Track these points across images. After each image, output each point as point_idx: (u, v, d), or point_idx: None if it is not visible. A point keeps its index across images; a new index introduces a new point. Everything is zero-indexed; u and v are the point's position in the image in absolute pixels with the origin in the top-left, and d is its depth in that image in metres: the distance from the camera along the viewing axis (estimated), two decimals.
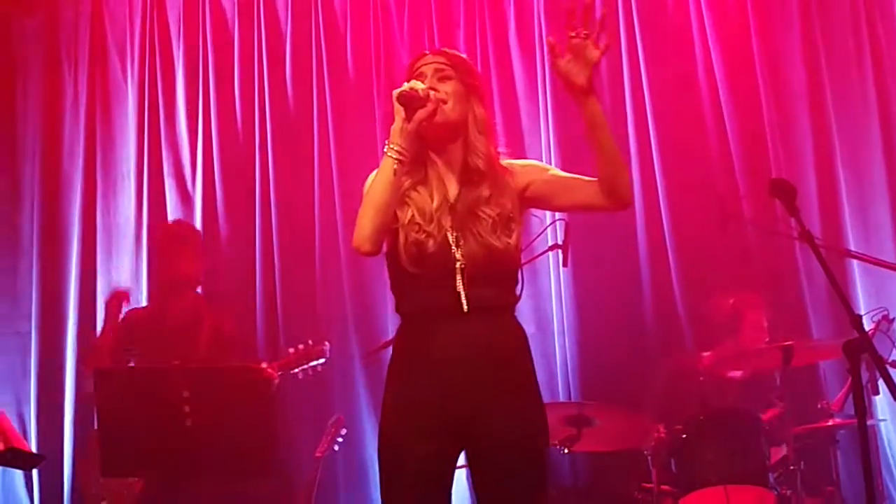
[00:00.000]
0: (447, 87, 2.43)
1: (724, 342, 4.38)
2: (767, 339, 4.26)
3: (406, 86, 2.38)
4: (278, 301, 4.92)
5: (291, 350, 3.90)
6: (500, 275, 2.43)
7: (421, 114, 2.35)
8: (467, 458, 2.44)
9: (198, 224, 5.01)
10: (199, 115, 5.13)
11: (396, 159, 2.34)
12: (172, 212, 5.08)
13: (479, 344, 2.37)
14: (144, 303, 4.91)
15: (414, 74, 2.48)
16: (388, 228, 2.37)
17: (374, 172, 2.47)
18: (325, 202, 5.00)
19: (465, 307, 2.35)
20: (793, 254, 4.57)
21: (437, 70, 2.46)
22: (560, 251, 4.15)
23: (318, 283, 4.93)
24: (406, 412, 2.39)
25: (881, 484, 4.19)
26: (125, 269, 5.06)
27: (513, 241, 2.43)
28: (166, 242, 4.21)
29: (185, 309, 4.08)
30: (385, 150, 2.36)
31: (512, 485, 2.35)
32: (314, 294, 4.92)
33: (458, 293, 2.36)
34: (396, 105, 2.35)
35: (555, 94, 4.92)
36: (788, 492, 3.71)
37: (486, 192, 2.43)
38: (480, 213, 2.41)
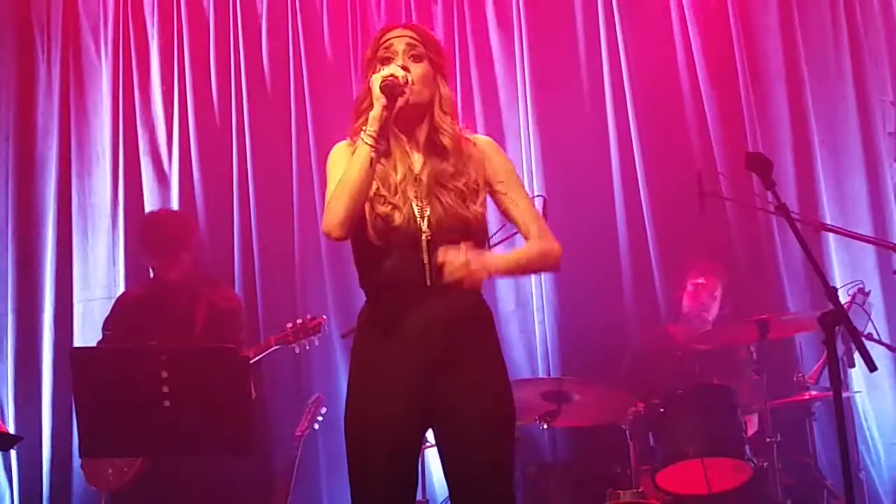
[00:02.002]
0: (418, 69, 2.42)
1: (681, 314, 4.43)
2: (715, 307, 4.33)
3: (385, 71, 2.36)
4: (257, 281, 4.90)
5: (289, 325, 3.93)
6: (469, 244, 2.41)
7: (400, 102, 2.35)
8: (434, 434, 2.44)
9: (174, 204, 4.97)
10: (174, 93, 5.09)
11: (374, 147, 2.33)
12: (149, 192, 5.04)
13: (443, 318, 2.37)
14: (121, 286, 4.89)
15: (382, 47, 2.46)
16: (359, 214, 2.36)
17: (335, 150, 2.48)
18: (303, 181, 4.97)
19: (429, 280, 2.34)
20: (770, 229, 4.59)
21: (409, 46, 2.44)
22: None
23: (297, 262, 4.91)
24: (371, 390, 2.38)
25: (856, 455, 4.24)
26: (102, 250, 5.03)
27: (480, 209, 2.43)
28: (152, 245, 4.14)
29: (179, 289, 4.06)
30: (362, 136, 2.34)
31: (478, 457, 2.34)
32: (293, 273, 4.90)
33: (424, 266, 2.35)
34: (377, 93, 2.33)
35: (533, 69, 4.91)
36: (765, 464, 3.75)
37: (450, 166, 2.43)
38: (449, 185, 2.41)
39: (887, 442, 4.42)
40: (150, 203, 4.99)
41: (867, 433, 4.42)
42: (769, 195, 2.74)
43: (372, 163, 2.32)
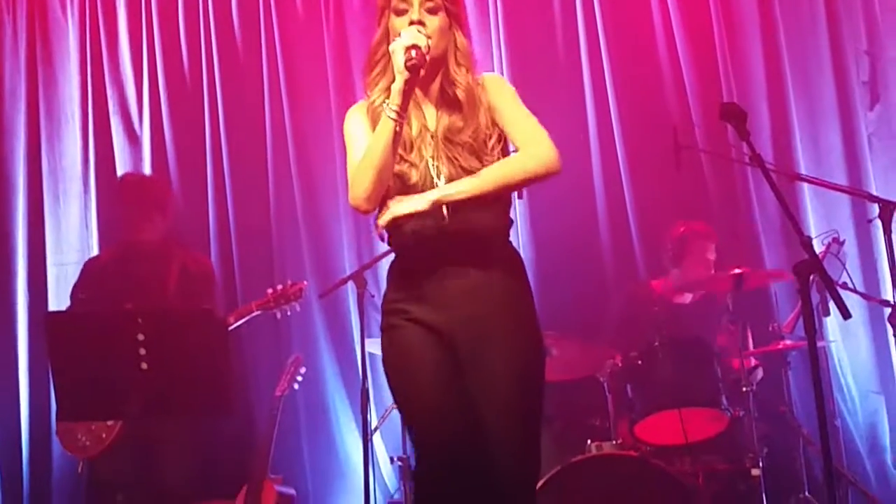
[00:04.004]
0: (434, 22, 2.40)
1: (671, 271, 4.43)
2: (713, 272, 4.29)
3: (407, 41, 2.30)
4: (233, 242, 4.87)
5: (270, 290, 3.91)
6: (487, 197, 2.37)
7: (422, 72, 2.32)
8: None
9: (146, 165, 4.92)
10: (143, 51, 5.01)
11: (398, 121, 2.31)
12: (120, 153, 4.98)
13: (463, 274, 2.37)
14: (94, 249, 4.84)
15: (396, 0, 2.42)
16: (386, 186, 2.35)
17: (351, 114, 2.47)
18: (276, 140, 4.92)
19: (448, 238, 2.33)
20: (745, 181, 4.60)
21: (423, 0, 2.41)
22: None
23: (273, 222, 4.88)
24: (400, 349, 2.40)
25: (832, 403, 4.29)
26: (74, 214, 4.97)
27: (493, 158, 2.41)
28: (128, 205, 4.08)
29: (151, 252, 4.02)
30: (385, 110, 2.31)
31: (501, 416, 2.35)
32: (269, 234, 4.87)
33: (443, 223, 2.33)
34: (399, 66, 2.29)
35: (507, 28, 4.86)
36: (741, 413, 3.79)
37: (460, 119, 2.42)
38: (458, 140, 2.40)
39: (862, 389, 4.48)
40: (121, 164, 4.94)
41: (842, 381, 4.47)
42: (744, 146, 2.74)
43: (396, 137, 2.31)
